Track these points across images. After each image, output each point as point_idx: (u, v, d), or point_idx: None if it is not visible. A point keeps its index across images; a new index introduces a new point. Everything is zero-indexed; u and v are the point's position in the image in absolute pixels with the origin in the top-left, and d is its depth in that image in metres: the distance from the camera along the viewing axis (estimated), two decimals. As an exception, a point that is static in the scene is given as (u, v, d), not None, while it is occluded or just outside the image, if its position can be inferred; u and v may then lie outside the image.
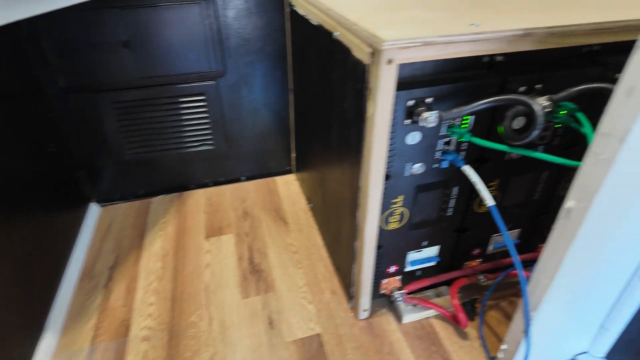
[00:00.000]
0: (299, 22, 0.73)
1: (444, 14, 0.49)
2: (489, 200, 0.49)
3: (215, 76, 0.87)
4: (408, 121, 0.48)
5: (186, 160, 0.97)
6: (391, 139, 0.49)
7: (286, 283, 0.74)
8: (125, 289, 0.75)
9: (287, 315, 0.68)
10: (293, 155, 1.03)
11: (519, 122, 0.49)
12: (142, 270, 0.79)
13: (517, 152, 0.51)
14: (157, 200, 0.98)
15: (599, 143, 0.36)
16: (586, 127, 0.45)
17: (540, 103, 0.44)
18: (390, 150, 0.50)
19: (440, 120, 0.46)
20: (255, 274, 0.76)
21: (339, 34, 0.52)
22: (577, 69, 0.49)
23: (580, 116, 0.48)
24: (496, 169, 0.56)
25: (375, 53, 0.42)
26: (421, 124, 0.45)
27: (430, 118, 0.45)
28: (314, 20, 0.63)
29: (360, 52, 0.45)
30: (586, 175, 0.38)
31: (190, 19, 0.79)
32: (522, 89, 0.49)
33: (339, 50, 0.53)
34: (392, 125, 0.47)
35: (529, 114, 0.45)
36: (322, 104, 0.67)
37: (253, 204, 0.95)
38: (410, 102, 0.46)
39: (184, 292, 0.74)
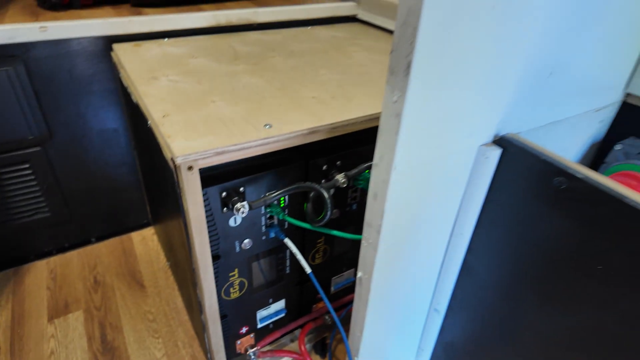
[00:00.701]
0: (125, 89, 0.71)
1: (243, 110, 0.53)
2: (306, 268, 0.55)
3: (39, 141, 0.79)
4: (225, 209, 0.51)
5: (19, 231, 0.87)
6: (212, 225, 0.51)
7: (142, 358, 0.72)
8: (-57, 407, 0.65)
9: (144, 394, 0.67)
10: (148, 207, 1.00)
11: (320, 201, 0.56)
12: (-35, 378, 0.68)
13: (317, 230, 0.57)
14: (-14, 282, 0.86)
15: (365, 230, 0.44)
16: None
17: (329, 187, 0.51)
18: (213, 235, 0.52)
19: (251, 208, 0.50)
20: (107, 354, 0.73)
21: (150, 123, 0.53)
22: (369, 145, 0.58)
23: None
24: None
25: (174, 161, 0.44)
26: (235, 214, 0.49)
27: (242, 209, 0.48)
28: (134, 98, 0.62)
29: (167, 154, 0.46)
30: (364, 254, 0.46)
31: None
32: (324, 167, 0.56)
33: (154, 139, 0.54)
34: (210, 215, 0.50)
35: (322, 198, 0.52)
36: (158, 175, 0.67)
37: (105, 270, 0.89)
38: (224, 194, 0.50)
39: (21, 394, 0.66)
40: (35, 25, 0.69)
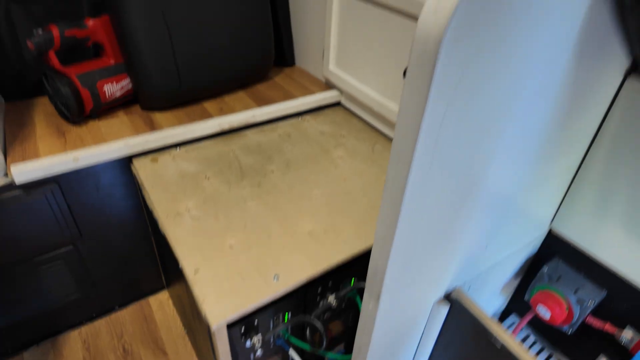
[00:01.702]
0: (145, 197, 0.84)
1: (255, 256, 0.66)
2: (308, 372, 0.70)
3: (71, 241, 0.92)
4: (242, 338, 0.65)
5: (53, 310, 1.00)
6: (233, 349, 0.66)
7: None
8: None
9: None
10: (162, 275, 1.13)
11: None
12: None
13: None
14: (31, 354, 0.99)
15: (354, 351, 0.59)
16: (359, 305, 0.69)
17: (324, 311, 0.66)
18: (234, 353, 0.67)
19: (264, 340, 0.64)
20: (143, 422, 0.88)
21: (182, 268, 0.66)
22: (357, 265, 0.73)
23: (358, 299, 0.72)
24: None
25: (210, 328, 0.58)
26: (251, 342, 0.64)
27: (257, 342, 0.63)
28: (161, 229, 0.75)
29: (203, 317, 0.60)
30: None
31: (39, 216, 0.83)
32: (319, 289, 0.70)
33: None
34: (232, 344, 0.65)
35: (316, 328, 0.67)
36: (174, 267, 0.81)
37: (131, 339, 1.04)
38: (243, 328, 0.64)
39: None
40: (69, 156, 0.80)
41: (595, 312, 0.70)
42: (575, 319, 0.68)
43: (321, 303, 0.72)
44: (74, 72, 0.86)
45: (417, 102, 0.30)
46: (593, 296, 0.68)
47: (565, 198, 0.67)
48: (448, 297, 0.59)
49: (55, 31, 0.81)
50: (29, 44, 0.79)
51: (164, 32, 0.88)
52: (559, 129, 0.49)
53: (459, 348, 0.59)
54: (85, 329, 1.06)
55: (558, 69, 0.41)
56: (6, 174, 0.77)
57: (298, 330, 0.72)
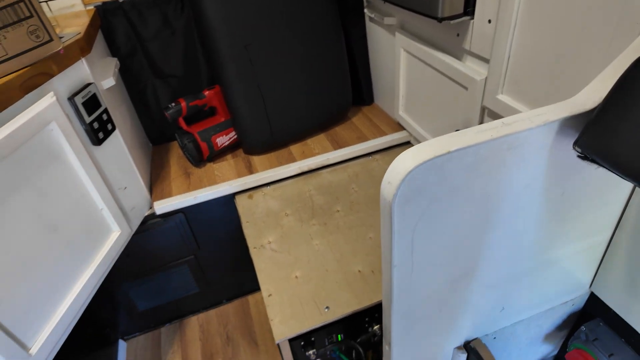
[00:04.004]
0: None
1: (313, 288, 0.83)
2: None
3: (192, 252, 1.21)
4: (303, 349, 0.83)
5: (180, 300, 1.32)
6: None
7: (258, 402, 1.11)
8: (154, 417, 1.11)
9: None
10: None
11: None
12: (163, 400, 1.15)
13: None
14: (165, 330, 1.34)
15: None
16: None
17: (368, 339, 0.79)
18: (298, 360, 0.85)
19: (319, 353, 0.81)
20: (238, 396, 1.13)
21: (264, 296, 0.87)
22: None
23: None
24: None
25: (275, 340, 0.77)
26: (314, 359, 0.81)
27: (314, 356, 0.80)
28: (251, 254, 0.97)
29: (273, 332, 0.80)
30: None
31: (172, 236, 1.13)
32: (366, 319, 0.84)
33: (263, 296, 0.88)
34: (296, 355, 0.83)
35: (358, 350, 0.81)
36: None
37: (233, 329, 1.31)
38: (302, 343, 0.82)
39: (193, 416, 1.10)
40: (191, 195, 1.08)
41: (634, 378, 0.70)
42: (607, 381, 0.70)
43: (369, 330, 0.86)
44: (195, 130, 1.13)
45: (387, 236, 0.43)
46: (627, 362, 0.68)
47: (601, 267, 0.69)
48: (466, 346, 0.68)
49: (183, 103, 1.09)
50: (166, 114, 1.08)
51: (258, 97, 1.10)
52: (561, 223, 0.55)
53: None
54: (201, 316, 1.37)
55: (533, 195, 0.48)
56: (150, 207, 1.08)
57: (348, 349, 0.87)
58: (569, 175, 0.49)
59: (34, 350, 0.69)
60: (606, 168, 0.39)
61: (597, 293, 0.72)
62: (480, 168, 0.42)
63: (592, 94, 0.42)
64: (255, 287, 1.41)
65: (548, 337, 0.82)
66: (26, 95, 0.68)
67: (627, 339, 0.70)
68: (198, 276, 1.28)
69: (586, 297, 0.76)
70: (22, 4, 0.66)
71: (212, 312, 1.37)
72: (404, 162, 0.39)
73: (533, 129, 0.41)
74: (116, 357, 1.25)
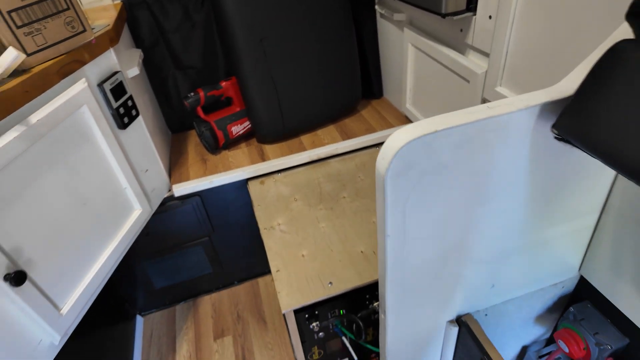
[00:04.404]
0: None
1: (318, 266, 0.88)
2: (352, 354, 0.91)
3: (207, 234, 1.28)
4: (307, 322, 0.88)
5: (195, 279, 1.39)
6: (302, 334, 0.89)
7: (266, 375, 1.17)
8: (169, 386, 1.19)
9: (267, 398, 1.12)
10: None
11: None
12: (177, 371, 1.22)
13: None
14: (180, 308, 1.41)
15: (380, 349, 0.77)
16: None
17: (369, 314, 0.84)
18: (302, 338, 0.91)
19: (320, 327, 0.87)
20: (246, 369, 1.20)
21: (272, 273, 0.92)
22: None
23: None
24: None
25: (281, 310, 0.82)
26: (317, 331, 0.87)
27: (317, 328, 0.86)
28: (262, 236, 1.02)
29: (279, 302, 0.85)
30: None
31: (188, 218, 1.19)
32: (367, 296, 0.89)
33: (272, 273, 0.93)
34: (300, 328, 0.88)
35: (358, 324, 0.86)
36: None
37: (243, 308, 1.37)
38: (306, 315, 0.87)
39: (204, 386, 1.17)
40: (207, 180, 1.14)
41: (620, 357, 0.73)
42: (593, 357, 0.73)
43: (369, 306, 0.91)
44: (212, 118, 1.19)
45: (381, 207, 0.48)
46: (613, 341, 0.71)
47: (588, 250, 0.72)
48: (458, 320, 0.72)
49: (202, 93, 1.15)
50: (185, 103, 1.14)
51: (272, 89, 1.15)
52: (546, 204, 0.59)
53: None
54: (214, 296, 1.43)
55: (519, 175, 0.52)
56: (169, 190, 1.14)
57: (350, 323, 0.92)
58: (552, 158, 0.53)
59: (64, 310, 0.76)
60: (579, 148, 0.43)
61: (585, 276, 0.76)
62: (466, 147, 0.46)
63: (571, 82, 0.46)
64: (265, 270, 1.47)
65: (540, 318, 0.86)
66: (62, 81, 0.75)
67: (612, 319, 0.73)
68: (212, 257, 1.34)
69: (576, 281, 0.79)
70: (60, -2, 0.72)
71: (224, 292, 1.44)
72: (396, 139, 0.44)
73: (515, 112, 0.45)
74: (134, 331, 1.33)
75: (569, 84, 0.46)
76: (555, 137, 0.47)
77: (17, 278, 0.64)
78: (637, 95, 0.37)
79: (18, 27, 0.67)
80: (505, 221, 0.58)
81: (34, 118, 0.68)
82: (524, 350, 0.94)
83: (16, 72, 0.68)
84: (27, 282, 0.67)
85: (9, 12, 0.66)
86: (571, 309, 0.78)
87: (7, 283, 0.64)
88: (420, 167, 0.46)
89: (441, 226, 0.53)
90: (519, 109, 0.45)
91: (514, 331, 0.85)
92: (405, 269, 0.57)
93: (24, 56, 0.68)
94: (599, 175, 0.59)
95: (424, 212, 0.51)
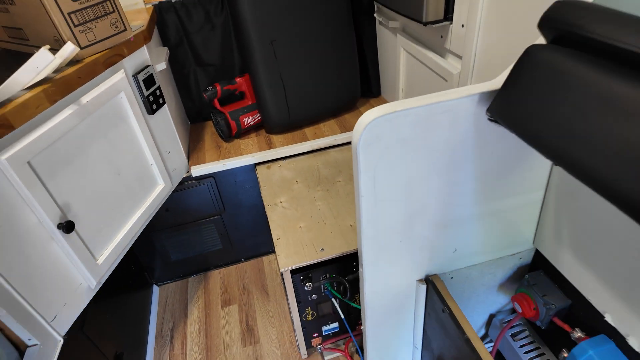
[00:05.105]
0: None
1: (313, 235, 1.02)
2: (340, 314, 1.04)
3: (218, 213, 1.42)
4: (301, 283, 1.02)
5: (206, 254, 1.54)
6: (297, 291, 1.03)
7: (265, 337, 1.31)
8: (181, 344, 1.33)
9: (265, 357, 1.25)
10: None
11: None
12: (188, 332, 1.36)
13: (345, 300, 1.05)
14: (192, 280, 1.56)
15: (361, 306, 0.90)
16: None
17: (355, 278, 0.97)
18: (297, 297, 1.04)
19: (314, 286, 1.00)
20: (249, 332, 1.33)
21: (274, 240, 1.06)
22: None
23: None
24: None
25: (280, 269, 0.96)
26: (311, 292, 1.00)
27: (310, 289, 0.99)
28: (266, 209, 1.16)
29: (279, 264, 0.99)
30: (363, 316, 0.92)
31: (203, 197, 1.34)
32: (354, 263, 1.02)
33: (273, 242, 1.07)
34: (296, 287, 1.02)
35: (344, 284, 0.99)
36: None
37: (249, 281, 1.51)
38: (301, 277, 1.00)
39: (212, 345, 1.31)
40: (220, 163, 1.28)
41: (565, 316, 0.85)
42: (542, 316, 0.85)
43: (355, 271, 1.04)
44: (227, 110, 1.34)
45: (356, 173, 0.61)
46: (557, 302, 0.83)
47: (539, 224, 0.84)
48: (426, 279, 0.85)
49: (218, 87, 1.30)
50: (204, 95, 1.29)
51: (280, 85, 1.29)
52: (496, 178, 0.71)
53: (438, 325, 0.84)
54: (223, 271, 1.58)
55: (462, 155, 0.65)
56: (188, 171, 1.29)
57: (339, 285, 1.05)
58: (495, 138, 0.65)
59: (100, 260, 0.91)
60: (505, 127, 0.56)
61: (538, 248, 0.88)
62: (421, 125, 0.59)
63: (503, 77, 0.59)
64: (269, 250, 1.61)
65: (503, 287, 0.98)
66: (106, 70, 0.90)
67: (559, 284, 0.85)
68: (222, 235, 1.49)
69: (532, 253, 0.91)
70: (108, 3, 0.87)
71: (232, 268, 1.58)
72: (366, 117, 0.57)
73: (458, 99, 0.58)
74: (151, 298, 1.48)
75: (501, 79, 0.59)
76: (489, 119, 0.60)
77: (67, 226, 0.79)
78: (542, 86, 0.50)
79: (75, 26, 0.82)
80: (459, 190, 0.71)
81: (85, 99, 0.84)
82: (491, 318, 1.06)
83: (71, 62, 0.84)
84: (73, 232, 0.81)
85: (69, 14, 0.81)
86: (526, 276, 0.90)
87: (60, 230, 0.79)
88: (385, 139, 0.59)
89: (405, 191, 0.66)
90: (462, 96, 0.58)
91: (478, 297, 0.97)
92: (377, 226, 0.70)
93: (78, 49, 0.83)
94: (537, 155, 0.71)
95: (390, 177, 0.64)
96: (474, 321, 1.04)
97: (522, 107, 0.52)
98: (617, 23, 0.42)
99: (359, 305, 1.02)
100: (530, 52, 0.52)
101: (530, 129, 0.51)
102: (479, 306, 1.00)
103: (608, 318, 0.72)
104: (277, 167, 1.30)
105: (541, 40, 0.56)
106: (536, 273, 0.90)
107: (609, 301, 0.71)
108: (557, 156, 0.47)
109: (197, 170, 1.27)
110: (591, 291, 0.74)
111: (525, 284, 0.89)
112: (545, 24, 0.52)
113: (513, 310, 1.07)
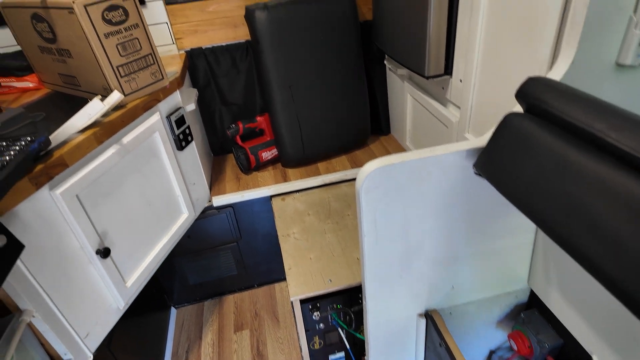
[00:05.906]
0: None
1: (321, 266, 1.10)
2: (346, 343, 1.09)
3: (235, 240, 1.51)
4: (310, 312, 1.08)
5: (222, 279, 1.62)
6: (306, 322, 1.09)
7: (275, 363, 1.36)
8: (194, 365, 1.40)
9: (274, 382, 1.30)
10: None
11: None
12: (202, 354, 1.43)
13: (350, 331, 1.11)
14: (208, 304, 1.63)
15: (365, 341, 0.95)
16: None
17: (360, 308, 1.04)
18: (307, 330, 1.11)
19: (322, 316, 1.06)
20: (259, 357, 1.39)
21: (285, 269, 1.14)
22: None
23: (385, 307, 1.07)
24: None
25: (290, 299, 1.03)
26: (319, 322, 1.07)
27: (318, 318, 1.06)
28: (280, 241, 1.25)
29: (290, 293, 1.06)
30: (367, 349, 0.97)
31: (222, 225, 1.44)
32: (360, 295, 1.09)
33: (285, 271, 1.15)
34: (304, 317, 1.08)
35: (349, 314, 1.05)
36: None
37: (261, 307, 1.58)
38: (310, 306, 1.07)
39: (223, 368, 1.37)
40: (240, 194, 1.39)
41: (558, 354, 0.89)
42: (536, 354, 0.89)
43: (360, 302, 1.10)
44: (247, 145, 1.46)
45: (359, 214, 0.70)
46: (550, 341, 0.87)
47: (532, 264, 0.90)
48: (426, 314, 0.91)
49: (241, 125, 1.42)
50: (227, 132, 1.42)
51: (296, 124, 1.41)
52: (485, 221, 0.78)
53: (437, 358, 0.89)
54: (237, 295, 1.65)
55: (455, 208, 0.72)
56: (210, 201, 1.40)
57: (345, 316, 1.12)
58: (482, 188, 0.73)
59: (129, 283, 1.00)
60: (488, 182, 0.64)
61: (532, 287, 0.93)
62: (415, 175, 0.68)
63: (488, 136, 0.67)
64: (281, 277, 1.68)
65: (500, 324, 1.03)
66: (144, 113, 1.03)
67: (552, 323, 0.90)
68: (237, 261, 1.57)
69: (528, 292, 0.96)
70: (150, 56, 1.01)
71: (246, 293, 1.66)
72: (368, 167, 0.66)
73: (446, 154, 0.67)
74: (169, 320, 1.56)
75: (486, 137, 0.67)
76: (475, 173, 0.68)
77: (104, 252, 0.89)
78: (515, 148, 0.58)
79: (121, 77, 0.96)
80: (452, 231, 0.78)
81: (125, 139, 0.96)
82: (492, 354, 1.09)
83: (116, 107, 0.97)
84: (109, 257, 0.92)
85: (117, 67, 0.94)
86: (522, 314, 0.95)
87: (98, 255, 0.89)
88: (383, 186, 0.68)
89: (402, 231, 0.74)
90: (451, 151, 0.67)
91: (477, 333, 1.02)
92: (378, 262, 0.77)
93: (122, 97, 0.96)
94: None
95: (389, 219, 0.72)
96: (473, 356, 1.08)
97: (501, 166, 0.60)
98: (571, 100, 0.50)
99: (364, 336, 1.07)
100: (507, 119, 0.60)
101: (507, 185, 0.59)
102: (478, 341, 1.04)
103: (595, 359, 0.76)
104: (291, 199, 1.40)
105: (519, 108, 0.65)
106: (531, 311, 0.94)
107: (596, 342, 0.76)
108: (528, 212, 0.54)
109: (218, 201, 1.38)
110: (579, 331, 0.79)
111: (521, 322, 0.94)
112: (520, 95, 0.60)
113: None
